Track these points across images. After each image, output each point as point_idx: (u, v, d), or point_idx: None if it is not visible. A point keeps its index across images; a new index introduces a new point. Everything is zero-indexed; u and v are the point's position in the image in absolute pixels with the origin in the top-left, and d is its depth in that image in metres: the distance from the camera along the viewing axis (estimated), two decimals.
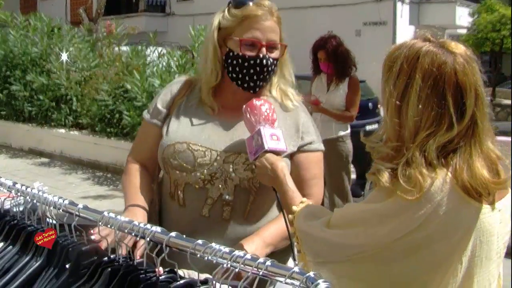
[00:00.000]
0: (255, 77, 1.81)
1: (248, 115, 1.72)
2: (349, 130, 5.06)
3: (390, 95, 1.36)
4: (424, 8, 23.84)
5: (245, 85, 1.83)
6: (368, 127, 7.06)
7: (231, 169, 1.78)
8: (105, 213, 1.23)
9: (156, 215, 1.92)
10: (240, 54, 1.80)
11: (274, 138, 1.68)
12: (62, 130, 9.30)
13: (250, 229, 1.82)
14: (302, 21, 19.58)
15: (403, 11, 22.39)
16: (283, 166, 1.64)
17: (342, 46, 4.89)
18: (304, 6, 21.58)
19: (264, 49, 1.79)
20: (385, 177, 1.30)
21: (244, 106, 1.75)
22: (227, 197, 1.79)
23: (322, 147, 1.93)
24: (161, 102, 1.94)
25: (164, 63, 8.45)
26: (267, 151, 1.66)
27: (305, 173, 1.86)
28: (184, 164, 1.79)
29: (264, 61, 1.79)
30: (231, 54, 1.82)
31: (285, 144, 1.71)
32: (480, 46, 21.59)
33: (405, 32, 22.51)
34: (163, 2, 31.03)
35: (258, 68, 1.80)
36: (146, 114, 1.96)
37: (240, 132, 1.83)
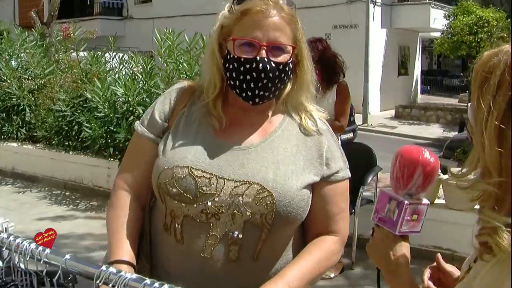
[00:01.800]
0: (252, 85, 1.60)
1: (400, 166, 1.41)
2: (339, 142, 4.89)
3: (488, 116, 1.10)
4: (396, 11, 24.16)
5: (243, 94, 1.62)
6: (343, 136, 6.95)
7: (241, 202, 1.56)
8: (103, 268, 0.98)
9: (148, 248, 1.70)
10: (236, 56, 1.60)
11: (415, 217, 1.42)
12: (14, 144, 8.92)
13: (260, 273, 1.61)
14: None
15: (375, 14, 22.61)
16: (407, 262, 1.40)
17: (329, 50, 4.74)
18: None
19: (263, 51, 1.58)
20: (505, 239, 1.02)
21: (402, 149, 1.44)
22: (235, 234, 1.57)
23: (349, 173, 1.73)
24: (158, 112, 1.72)
25: (127, 70, 8.20)
26: (394, 234, 1.42)
27: (332, 207, 1.68)
28: (185, 194, 1.57)
29: (261, 65, 1.57)
30: (228, 57, 1.62)
31: (421, 225, 1.45)
32: (456, 50, 21.90)
33: (377, 36, 22.76)
34: (119, 5, 30.74)
35: (254, 74, 1.58)
36: (139, 126, 1.74)
37: (253, 156, 1.62)
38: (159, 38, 7.05)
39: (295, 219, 1.61)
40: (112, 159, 7.29)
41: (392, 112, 23.05)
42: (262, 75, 1.58)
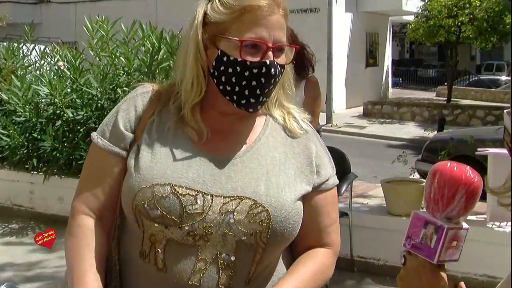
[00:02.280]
0: (258, 91, 1.65)
1: (439, 185, 1.44)
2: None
3: None
4: None
5: (243, 101, 1.66)
6: None
7: (232, 220, 1.60)
8: None
9: (118, 280, 1.71)
10: (240, 59, 1.63)
11: (454, 244, 1.45)
12: None
13: None
14: None
15: None
16: None
17: (297, 40, 4.81)
18: None
19: (271, 53, 1.63)
20: None
21: (440, 166, 1.47)
22: (226, 257, 1.61)
23: (337, 180, 1.82)
24: (123, 121, 1.73)
25: (50, 66, 8.12)
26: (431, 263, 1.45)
27: (323, 218, 1.76)
28: (168, 215, 1.59)
29: (273, 69, 1.63)
30: (224, 59, 1.65)
31: (459, 253, 1.48)
32: (433, 35, 22.31)
33: (341, 21, 23.05)
34: None
35: (263, 79, 1.63)
36: (98, 139, 1.74)
37: (240, 167, 1.67)
38: (90, 27, 7.01)
39: (291, 235, 1.67)
40: (35, 172, 7.21)
41: (360, 110, 23.39)
42: (272, 80, 1.64)
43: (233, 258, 1.61)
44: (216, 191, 1.62)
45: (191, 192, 1.61)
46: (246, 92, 1.65)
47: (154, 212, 1.60)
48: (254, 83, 1.64)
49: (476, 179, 1.42)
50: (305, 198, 1.72)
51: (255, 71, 1.63)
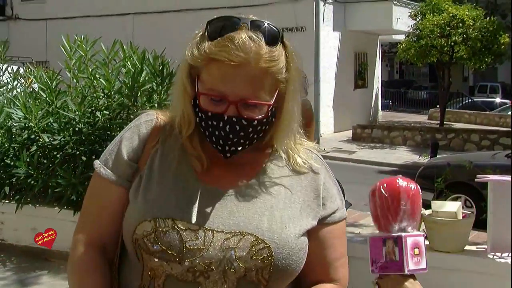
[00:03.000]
0: (221, 141, 1.70)
1: (382, 200, 1.57)
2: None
3: None
4: (351, 10, 24.73)
5: (214, 146, 1.72)
6: None
7: (233, 256, 1.65)
8: None
9: None
10: (202, 108, 1.69)
11: (416, 252, 1.55)
12: None
13: None
14: (190, 26, 19.64)
15: (325, 14, 23.03)
16: None
17: (306, 86, 4.85)
18: (196, 8, 21.76)
19: (232, 108, 1.66)
20: None
21: (377, 184, 1.60)
22: None
23: (345, 213, 1.86)
24: (126, 150, 1.78)
25: (24, 87, 8.10)
26: (405, 275, 1.53)
27: (330, 253, 1.79)
28: (168, 250, 1.64)
29: (228, 126, 1.67)
30: (197, 101, 1.71)
31: (425, 261, 1.58)
32: (425, 56, 22.47)
33: (329, 40, 23.25)
34: (0, 1, 30.19)
35: (222, 132, 1.68)
36: (101, 168, 1.79)
37: (243, 202, 1.72)
38: (68, 46, 7.03)
39: (294, 271, 1.71)
40: (7, 201, 7.16)
41: (348, 134, 23.55)
42: (231, 135, 1.68)
43: None
44: (218, 227, 1.67)
45: (192, 227, 1.66)
46: (214, 139, 1.70)
47: (154, 246, 1.65)
48: (216, 133, 1.69)
49: (412, 184, 1.59)
50: (311, 232, 1.76)
51: (214, 122, 1.68)
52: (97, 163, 1.81)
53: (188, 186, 1.73)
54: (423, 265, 1.57)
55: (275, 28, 1.70)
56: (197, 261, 1.64)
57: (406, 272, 1.52)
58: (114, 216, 1.76)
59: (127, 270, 1.78)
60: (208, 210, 1.69)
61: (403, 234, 1.54)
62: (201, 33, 1.72)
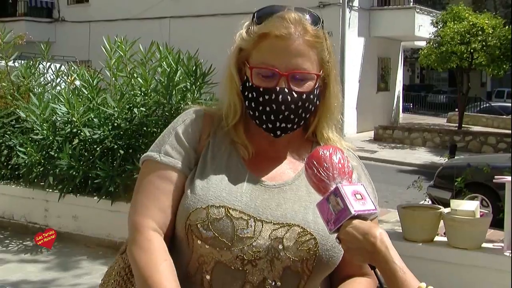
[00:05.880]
0: (272, 117, 1.69)
1: (314, 171, 1.57)
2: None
3: None
4: (376, 16, 24.63)
5: (264, 126, 1.72)
6: None
7: (280, 247, 1.64)
8: None
9: None
10: (253, 85, 1.70)
11: (358, 197, 1.55)
12: None
13: None
14: (223, 29, 19.72)
15: (351, 20, 22.98)
16: (382, 234, 1.50)
17: None
18: (229, 12, 21.77)
19: (283, 81, 1.67)
20: None
21: (306, 158, 1.60)
22: (273, 283, 1.65)
23: (378, 210, 1.82)
24: (187, 140, 1.76)
25: (65, 84, 8.17)
26: (354, 217, 1.52)
27: None
28: (220, 237, 1.63)
29: (281, 96, 1.67)
30: (247, 84, 1.72)
31: (372, 202, 1.58)
32: (445, 61, 22.29)
33: (354, 46, 23.17)
34: (49, 5, 30.49)
35: (274, 106, 1.68)
36: (158, 155, 1.74)
37: (289, 194, 1.71)
38: (108, 47, 7.08)
39: (335, 263, 1.71)
40: (51, 190, 7.23)
41: (371, 134, 23.47)
42: (283, 107, 1.67)
43: (279, 284, 1.66)
44: (267, 217, 1.67)
45: (244, 216, 1.66)
46: (264, 118, 1.70)
47: (207, 233, 1.64)
48: (268, 108, 1.69)
49: (331, 149, 1.59)
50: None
51: (266, 97, 1.68)
52: (154, 154, 1.76)
53: (239, 177, 1.73)
54: (370, 206, 1.56)
55: (316, 14, 1.73)
56: (246, 249, 1.64)
57: (353, 212, 1.51)
58: (175, 202, 1.72)
59: (174, 257, 1.71)
60: (258, 201, 1.69)
61: (338, 184, 1.54)
62: (248, 22, 1.74)
